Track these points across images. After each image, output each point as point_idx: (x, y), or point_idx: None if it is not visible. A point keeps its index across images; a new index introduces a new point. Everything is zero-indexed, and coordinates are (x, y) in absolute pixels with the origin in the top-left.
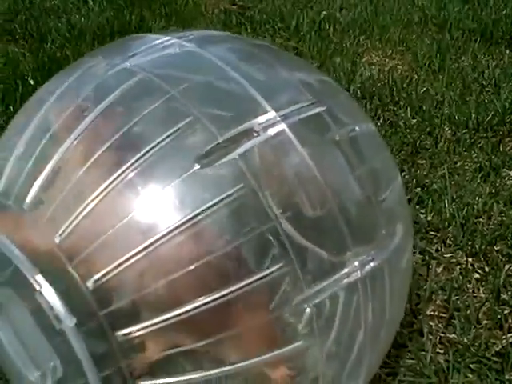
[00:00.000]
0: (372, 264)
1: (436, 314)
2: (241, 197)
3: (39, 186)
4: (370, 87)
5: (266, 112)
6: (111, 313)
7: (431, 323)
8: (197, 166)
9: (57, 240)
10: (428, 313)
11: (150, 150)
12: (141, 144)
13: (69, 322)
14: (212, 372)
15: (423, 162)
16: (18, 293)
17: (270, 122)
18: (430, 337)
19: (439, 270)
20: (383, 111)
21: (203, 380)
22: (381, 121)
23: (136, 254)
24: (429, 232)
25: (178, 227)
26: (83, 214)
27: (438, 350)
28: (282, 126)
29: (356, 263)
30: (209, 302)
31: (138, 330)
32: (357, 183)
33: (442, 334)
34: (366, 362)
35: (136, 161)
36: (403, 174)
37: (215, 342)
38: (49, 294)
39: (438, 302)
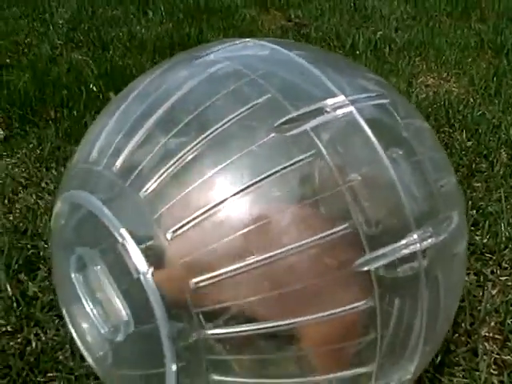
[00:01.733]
0: (430, 240)
1: (490, 335)
2: (312, 162)
3: (127, 154)
4: (426, 108)
5: (336, 95)
6: (187, 263)
7: (486, 344)
8: (272, 134)
9: (141, 195)
10: (483, 334)
11: (230, 120)
12: (221, 116)
13: (146, 270)
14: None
15: (479, 184)
16: (100, 252)
17: (340, 105)
18: (485, 357)
19: (494, 292)
20: (439, 132)
21: (271, 331)
22: None
23: (212, 207)
24: (484, 254)
25: (251, 185)
26: (166, 173)
27: (492, 370)
28: (351, 109)
29: (415, 236)
30: (274, 255)
31: (211, 278)
32: (418, 165)
33: (497, 356)
34: (420, 347)
35: (215, 130)
36: None
37: (282, 295)
38: (131, 246)
39: (492, 323)
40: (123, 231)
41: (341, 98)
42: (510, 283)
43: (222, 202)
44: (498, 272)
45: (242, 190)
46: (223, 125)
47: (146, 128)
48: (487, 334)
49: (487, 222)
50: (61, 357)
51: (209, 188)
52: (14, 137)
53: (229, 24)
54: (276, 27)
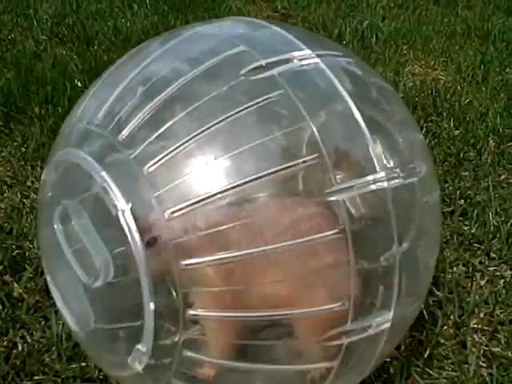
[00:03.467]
0: (397, 180)
1: (479, 327)
2: (279, 100)
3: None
4: (413, 97)
5: (303, 50)
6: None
7: (475, 336)
8: (241, 78)
9: (120, 138)
10: (471, 325)
11: (200, 69)
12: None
13: (124, 206)
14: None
15: (467, 173)
16: (82, 203)
17: (306, 57)
18: (474, 350)
19: (483, 282)
20: (426, 122)
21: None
22: (424, 131)
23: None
24: (472, 244)
25: (224, 119)
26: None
27: (481, 363)
28: (317, 60)
29: (383, 174)
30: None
31: (185, 208)
32: (385, 118)
33: (486, 348)
34: (395, 295)
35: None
36: (446, 185)
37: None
38: (108, 182)
39: (481, 315)
40: (104, 174)
41: (307, 52)
42: (498, 273)
43: (192, 137)
44: (487, 262)
45: (212, 126)
46: (195, 75)
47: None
48: (476, 326)
49: (475, 211)
50: (47, 359)
51: (181, 128)
52: None
53: (214, 15)
54: (262, 18)
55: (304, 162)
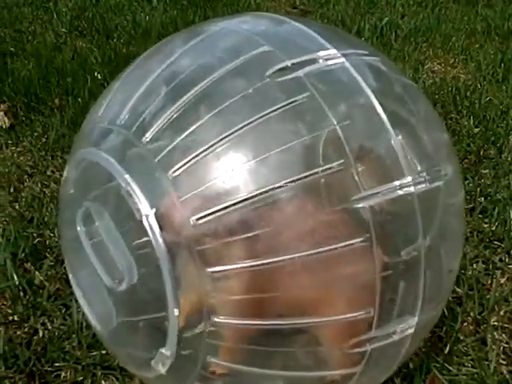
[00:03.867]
0: (424, 185)
1: (500, 324)
2: (305, 102)
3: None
4: (433, 94)
5: (328, 49)
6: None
7: (495, 333)
8: (266, 80)
9: (144, 140)
10: (492, 323)
11: (226, 70)
12: (217, 68)
13: (148, 211)
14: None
15: (486, 171)
16: (105, 205)
17: (332, 56)
18: (494, 347)
19: (503, 280)
20: (446, 119)
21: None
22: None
23: (210, 147)
24: (493, 242)
25: (247, 124)
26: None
27: (501, 360)
28: (342, 60)
29: (409, 178)
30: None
31: (209, 215)
32: (411, 119)
33: (506, 345)
34: (419, 301)
35: (212, 79)
36: (466, 182)
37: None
38: (133, 188)
39: (501, 312)
40: (127, 177)
41: (333, 51)
42: None
43: (219, 141)
44: (507, 260)
45: (239, 129)
46: (220, 75)
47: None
48: (496, 323)
49: (496, 209)
50: (68, 346)
51: (206, 130)
52: (20, 125)
53: (234, 11)
54: (281, 14)
55: (330, 168)
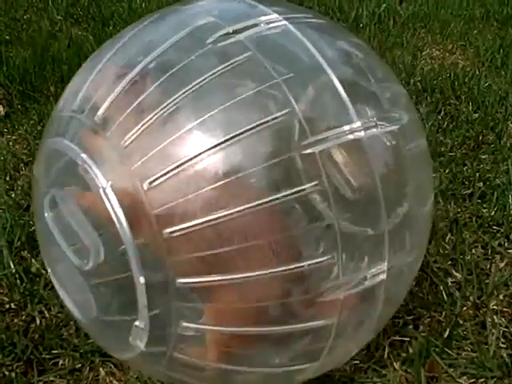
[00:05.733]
0: (375, 130)
1: (499, 308)
2: (246, 62)
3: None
4: (431, 81)
5: (269, 14)
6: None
7: (494, 317)
8: (210, 45)
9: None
10: (491, 307)
11: (173, 42)
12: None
13: (104, 183)
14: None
15: (485, 156)
16: (70, 189)
17: (273, 20)
18: (493, 331)
19: (502, 264)
20: (444, 105)
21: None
22: (442, 114)
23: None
24: (492, 226)
25: (194, 86)
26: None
27: (500, 344)
28: (284, 22)
29: (359, 123)
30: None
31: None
32: (361, 70)
33: (506, 329)
34: (386, 244)
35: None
36: (465, 168)
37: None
38: (88, 163)
39: (500, 297)
40: (83, 156)
41: (275, 16)
42: None
43: (164, 107)
44: (506, 244)
45: (183, 94)
46: (164, 49)
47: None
48: (496, 307)
49: (495, 194)
50: (65, 334)
51: (152, 100)
52: (15, 113)
53: None
54: None
55: (275, 117)
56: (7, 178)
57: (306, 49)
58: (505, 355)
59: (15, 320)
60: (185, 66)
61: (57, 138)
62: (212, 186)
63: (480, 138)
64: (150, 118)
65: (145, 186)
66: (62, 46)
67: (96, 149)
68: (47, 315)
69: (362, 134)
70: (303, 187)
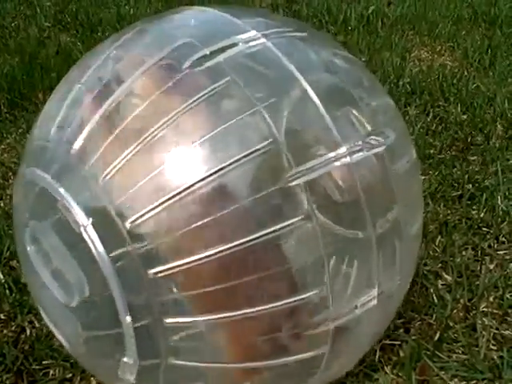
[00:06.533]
0: (361, 153)
1: (489, 310)
2: (225, 89)
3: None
4: (420, 82)
5: (248, 31)
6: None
7: (484, 319)
8: (186, 71)
9: (73, 151)
10: (481, 309)
11: (148, 67)
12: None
13: (85, 221)
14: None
15: (474, 158)
16: (50, 223)
17: (252, 38)
18: (484, 333)
19: (492, 266)
20: (433, 107)
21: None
22: (430, 116)
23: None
24: (481, 228)
25: (172, 117)
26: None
27: (491, 346)
28: (263, 40)
29: (344, 149)
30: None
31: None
32: (340, 86)
33: (496, 331)
34: (375, 271)
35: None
36: (454, 169)
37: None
38: (68, 200)
39: (490, 298)
40: (61, 190)
41: (253, 33)
42: (508, 257)
43: (143, 140)
44: (496, 246)
45: (162, 125)
46: (136, 76)
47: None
48: (486, 309)
49: (484, 195)
50: (56, 344)
51: (130, 131)
52: (3, 122)
53: (219, 2)
54: (267, 4)
55: (257, 149)
56: None
57: (286, 69)
58: (495, 357)
59: (4, 331)
60: (162, 94)
61: (32, 168)
62: (197, 224)
63: (469, 139)
64: (130, 152)
65: (127, 225)
66: (50, 53)
67: (74, 183)
68: (37, 325)
69: (348, 159)
70: (292, 221)
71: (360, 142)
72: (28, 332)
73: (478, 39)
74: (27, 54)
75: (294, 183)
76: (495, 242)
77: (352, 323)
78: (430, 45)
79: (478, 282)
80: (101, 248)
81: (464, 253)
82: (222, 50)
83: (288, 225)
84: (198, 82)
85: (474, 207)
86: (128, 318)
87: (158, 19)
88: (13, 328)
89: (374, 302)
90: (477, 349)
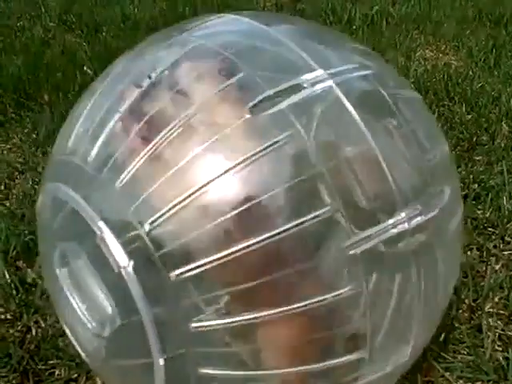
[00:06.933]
0: (419, 218)
1: (495, 311)
2: (288, 143)
3: (101, 143)
4: (425, 82)
5: (314, 70)
6: (165, 254)
7: (490, 320)
8: (247, 116)
9: (117, 185)
10: (486, 310)
11: (203, 104)
12: (192, 97)
13: (126, 264)
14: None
15: (480, 158)
16: (80, 244)
17: (319, 79)
18: (489, 334)
19: (497, 266)
20: (438, 106)
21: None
22: (436, 116)
23: (187, 197)
24: (487, 228)
25: (227, 170)
26: (139, 164)
27: (496, 347)
28: (330, 83)
29: (403, 214)
30: (256, 243)
31: (190, 270)
32: (402, 141)
33: (502, 332)
34: (414, 329)
35: (189, 115)
36: (459, 169)
37: (260, 285)
38: (109, 238)
39: (496, 299)
40: (101, 224)
41: (319, 72)
42: None
43: (197, 189)
44: (501, 246)
45: (217, 177)
46: (197, 109)
47: (118, 116)
48: (491, 310)
49: (489, 195)
50: (61, 344)
51: (183, 177)
52: (9, 122)
53: (223, 2)
54: (271, 4)
55: (315, 216)
56: (2, 187)
57: (356, 127)
58: (501, 358)
59: (11, 331)
60: (218, 142)
61: (65, 186)
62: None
63: (474, 139)
64: (182, 201)
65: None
66: (55, 53)
67: (115, 217)
68: (43, 325)
69: (406, 225)
70: (343, 290)
71: (419, 206)
72: (34, 332)
73: (483, 38)
74: (32, 54)
75: (352, 252)
76: (501, 242)
77: (380, 379)
78: (435, 44)
79: (483, 283)
80: (140, 292)
81: (469, 253)
82: (286, 92)
83: (337, 294)
84: (259, 131)
85: (479, 207)
86: (161, 361)
87: (198, 29)
88: (19, 328)
89: (406, 358)
90: (482, 350)
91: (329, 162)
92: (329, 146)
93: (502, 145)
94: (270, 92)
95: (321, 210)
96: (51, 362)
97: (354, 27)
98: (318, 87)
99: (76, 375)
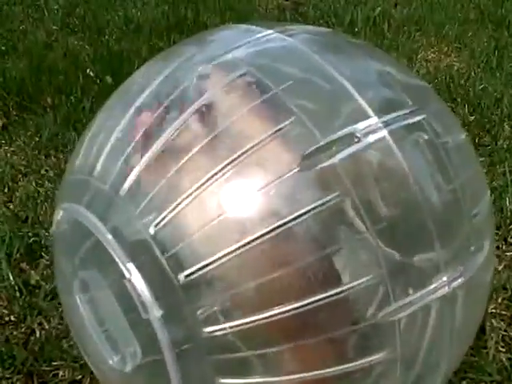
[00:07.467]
0: (460, 280)
1: (498, 311)
2: (336, 204)
3: (137, 174)
4: (428, 84)
5: (368, 117)
6: (198, 308)
7: (493, 321)
8: (296, 169)
9: (151, 230)
10: (490, 311)
11: (250, 149)
12: (240, 142)
13: (156, 312)
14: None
15: (482, 159)
16: (104, 276)
17: (372, 128)
18: (492, 335)
19: (500, 267)
20: None
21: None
22: None
23: (228, 253)
24: None
25: (271, 231)
26: (179, 207)
27: (500, 348)
28: (384, 133)
29: (445, 278)
30: (294, 309)
31: (223, 330)
32: (451, 197)
33: (505, 333)
34: (442, 373)
35: (234, 159)
36: None
37: (294, 348)
38: (138, 283)
39: (499, 300)
40: (130, 266)
41: (373, 120)
42: None
43: (237, 248)
44: (504, 247)
45: (261, 236)
46: (240, 156)
47: (157, 146)
48: (494, 311)
49: (492, 196)
50: (65, 345)
51: (226, 230)
52: (12, 125)
53: (226, 5)
54: (273, 6)
55: (358, 284)
56: (5, 190)
57: (405, 180)
58: (504, 359)
59: (14, 332)
60: (264, 195)
61: (85, 210)
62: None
63: (476, 140)
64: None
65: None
66: (58, 56)
67: (146, 260)
68: (47, 327)
69: (447, 289)
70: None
71: (461, 268)
72: (38, 334)
73: (485, 40)
74: (35, 57)
75: (392, 319)
76: (503, 243)
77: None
78: (437, 46)
79: None
80: (167, 343)
81: None
82: (338, 143)
83: (370, 360)
84: (307, 189)
85: None
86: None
87: (215, 42)
88: (23, 330)
89: None
90: (485, 351)
91: (375, 224)
92: (374, 207)
93: (505, 146)
94: (322, 143)
95: (365, 277)
96: (55, 363)
97: (356, 29)
98: (371, 138)
99: (80, 376)
